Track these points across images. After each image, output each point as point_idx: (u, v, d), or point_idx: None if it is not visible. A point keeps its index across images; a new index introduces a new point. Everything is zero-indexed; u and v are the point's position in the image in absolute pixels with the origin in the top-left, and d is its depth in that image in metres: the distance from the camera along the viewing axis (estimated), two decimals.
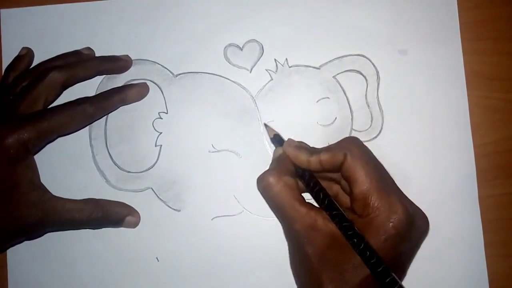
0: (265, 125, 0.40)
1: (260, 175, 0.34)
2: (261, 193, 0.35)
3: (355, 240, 0.31)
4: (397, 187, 0.35)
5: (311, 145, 0.38)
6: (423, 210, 0.34)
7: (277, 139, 0.38)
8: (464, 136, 0.41)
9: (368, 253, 0.31)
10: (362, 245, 0.31)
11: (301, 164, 0.35)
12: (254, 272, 0.40)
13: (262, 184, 0.34)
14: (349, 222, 0.32)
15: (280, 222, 0.35)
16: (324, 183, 0.35)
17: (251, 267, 0.40)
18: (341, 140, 0.36)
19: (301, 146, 0.36)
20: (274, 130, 0.39)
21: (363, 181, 0.32)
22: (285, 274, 0.40)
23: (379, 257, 0.31)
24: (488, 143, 0.41)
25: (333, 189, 0.37)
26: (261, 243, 0.40)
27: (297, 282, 0.35)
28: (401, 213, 0.32)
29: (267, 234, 0.40)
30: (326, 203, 0.33)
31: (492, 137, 0.41)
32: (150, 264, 0.40)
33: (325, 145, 0.40)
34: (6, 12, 0.42)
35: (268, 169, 0.35)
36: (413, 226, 0.32)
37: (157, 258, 0.40)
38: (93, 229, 0.40)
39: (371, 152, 0.35)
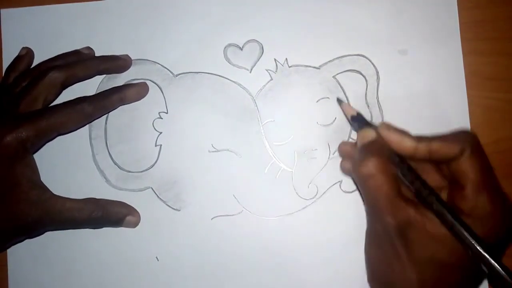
0: (340, 101, 0.37)
1: (360, 161, 0.31)
2: (357, 180, 0.32)
3: (472, 240, 0.29)
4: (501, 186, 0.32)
5: (311, 145, 0.39)
6: None
7: (360, 119, 0.35)
8: None
9: (487, 254, 0.29)
10: (481, 248, 0.29)
11: (405, 151, 0.32)
12: (254, 272, 0.40)
13: (363, 172, 0.31)
14: (463, 221, 0.30)
15: (368, 209, 0.33)
16: None
17: (251, 267, 0.40)
18: (456, 131, 0.33)
19: (402, 131, 0.33)
20: (354, 109, 0.36)
21: (480, 181, 0.31)
22: (285, 274, 0.40)
23: (502, 263, 0.29)
24: (488, 143, 0.41)
25: None
26: (261, 243, 0.40)
27: (373, 273, 0.34)
28: (509, 216, 0.31)
29: (267, 234, 0.40)
30: (436, 198, 0.31)
31: (492, 137, 0.41)
32: (150, 264, 0.40)
33: (325, 145, 0.40)
34: (6, 12, 0.42)
35: (369, 155, 0.32)
36: None
37: (157, 258, 0.40)
38: (93, 228, 0.40)
39: (484, 150, 0.32)
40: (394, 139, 0.32)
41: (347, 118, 0.36)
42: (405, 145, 0.32)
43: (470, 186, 0.31)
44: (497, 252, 0.31)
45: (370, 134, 0.33)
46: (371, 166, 0.31)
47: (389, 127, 0.33)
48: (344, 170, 0.39)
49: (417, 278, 0.30)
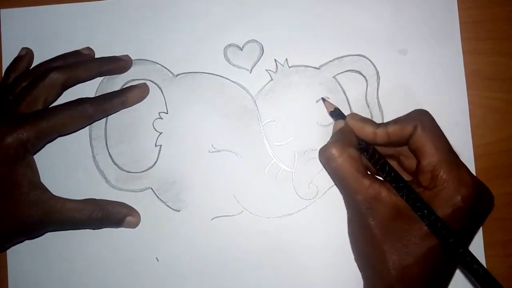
0: (323, 99, 0.40)
1: (323, 147, 0.35)
2: (323, 164, 0.36)
3: (425, 211, 0.31)
4: (462, 161, 0.34)
5: (311, 145, 0.39)
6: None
7: (337, 113, 0.39)
8: (464, 136, 0.41)
9: (439, 224, 0.31)
10: (433, 217, 0.31)
11: (367, 136, 0.35)
12: (254, 272, 0.40)
13: (325, 155, 0.34)
14: (417, 194, 0.32)
15: (342, 193, 0.36)
16: None
17: (251, 267, 0.40)
18: (409, 113, 0.35)
19: (366, 119, 0.36)
20: (333, 105, 0.39)
21: (432, 153, 0.33)
22: (285, 274, 0.40)
23: (450, 229, 0.31)
24: (488, 143, 0.41)
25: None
26: (261, 243, 0.40)
27: (355, 253, 0.36)
28: (470, 186, 0.32)
29: (267, 234, 0.40)
30: (393, 175, 0.34)
31: (492, 137, 0.41)
32: (150, 264, 0.40)
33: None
34: (6, 12, 0.42)
35: (331, 141, 0.35)
36: (480, 201, 0.32)
37: (157, 258, 0.40)
38: (93, 229, 0.40)
39: (438, 125, 0.35)
40: (356, 126, 0.36)
41: (328, 113, 0.40)
42: (366, 131, 0.35)
43: (425, 160, 0.33)
44: (467, 228, 0.32)
45: (339, 124, 0.37)
46: (332, 149, 0.34)
47: (354, 116, 0.36)
48: None
49: (388, 249, 0.32)
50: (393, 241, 0.32)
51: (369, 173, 0.34)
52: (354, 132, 0.36)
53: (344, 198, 0.36)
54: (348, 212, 0.36)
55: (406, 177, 0.35)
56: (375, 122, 0.36)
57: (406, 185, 0.33)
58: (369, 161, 0.36)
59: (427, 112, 0.35)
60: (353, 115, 0.37)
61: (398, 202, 0.33)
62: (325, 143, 0.40)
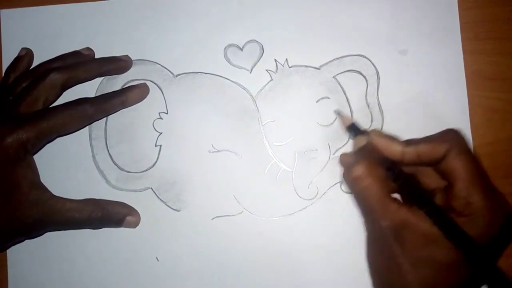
0: (338, 112, 0.39)
1: (349, 165, 0.33)
2: (348, 184, 0.33)
3: (463, 240, 0.30)
4: (494, 185, 0.33)
5: (311, 145, 0.38)
6: None
7: (354, 128, 0.36)
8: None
9: (478, 254, 0.29)
10: (472, 246, 0.30)
11: (394, 155, 0.33)
12: (254, 272, 0.40)
13: (351, 176, 0.32)
14: (453, 221, 0.30)
15: (363, 216, 0.34)
16: None
17: (251, 267, 0.40)
18: (441, 132, 0.33)
19: (392, 136, 0.34)
20: (350, 118, 0.38)
21: (468, 179, 0.31)
22: (285, 274, 0.40)
23: (492, 262, 0.30)
24: (488, 143, 0.41)
25: None
26: (261, 243, 0.40)
27: (374, 278, 0.34)
28: (505, 214, 0.31)
29: (267, 234, 0.40)
30: (423, 200, 0.32)
31: (492, 137, 0.41)
32: (150, 264, 0.40)
33: (326, 145, 0.40)
34: (6, 12, 0.42)
35: (358, 159, 0.33)
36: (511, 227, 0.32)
37: (157, 258, 0.40)
38: (93, 229, 0.40)
39: (471, 147, 0.33)
40: (382, 145, 0.33)
41: (344, 128, 0.38)
42: (393, 150, 0.33)
43: (459, 184, 0.31)
44: (493, 252, 0.31)
45: (361, 141, 0.35)
46: (359, 169, 0.32)
47: (379, 133, 0.34)
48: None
49: (414, 279, 0.31)
50: (421, 269, 0.30)
51: (394, 196, 0.33)
52: (378, 150, 0.33)
53: (365, 221, 0.34)
54: (368, 235, 0.34)
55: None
56: (401, 140, 0.33)
57: (440, 211, 0.31)
58: (395, 182, 0.33)
59: (461, 133, 0.33)
60: (378, 132, 0.34)
61: (428, 229, 0.31)
62: (325, 143, 0.40)
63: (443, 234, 0.30)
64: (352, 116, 0.41)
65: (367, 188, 0.32)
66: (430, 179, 0.34)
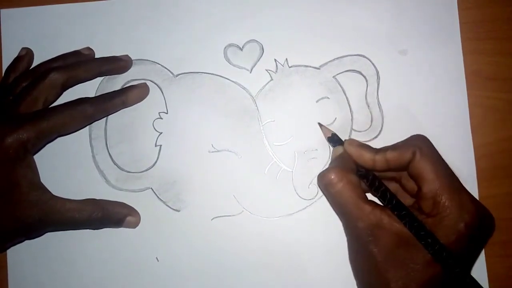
0: (320, 124, 0.40)
1: (321, 172, 0.34)
2: (322, 190, 0.35)
3: (429, 240, 0.31)
4: (463, 186, 0.34)
5: (311, 145, 0.38)
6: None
7: (335, 139, 0.38)
8: (464, 136, 0.41)
9: (444, 253, 0.31)
10: (437, 246, 0.31)
11: (366, 163, 0.35)
12: (254, 272, 0.40)
13: (324, 181, 0.34)
14: (420, 222, 0.32)
15: (341, 220, 0.35)
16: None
17: (251, 267, 0.40)
18: (407, 139, 0.35)
19: (364, 145, 0.36)
20: (331, 130, 0.39)
21: (433, 179, 0.32)
22: (285, 274, 0.40)
23: (456, 258, 0.31)
24: (488, 143, 0.41)
25: (391, 187, 0.36)
26: (261, 243, 0.40)
27: (358, 280, 0.35)
28: (473, 213, 0.32)
29: (267, 234, 0.40)
30: (394, 203, 0.33)
31: (492, 137, 0.41)
32: (150, 264, 0.40)
33: (325, 145, 0.40)
34: (6, 12, 0.42)
35: (330, 167, 0.35)
36: (483, 225, 0.32)
37: (157, 258, 0.40)
38: (93, 229, 0.40)
39: (437, 150, 0.34)
40: (354, 153, 0.35)
41: (326, 139, 0.39)
42: (364, 158, 0.35)
43: (426, 186, 0.32)
44: (469, 252, 0.32)
45: (339, 150, 0.37)
46: (330, 175, 0.33)
47: (352, 142, 0.36)
48: None
49: (392, 278, 0.32)
50: (396, 268, 0.32)
51: (369, 199, 0.34)
52: (353, 159, 0.35)
53: (343, 225, 0.35)
54: (348, 239, 0.35)
55: (409, 199, 0.35)
56: (373, 148, 0.35)
57: (408, 213, 0.32)
58: (369, 188, 0.35)
59: (425, 137, 0.35)
60: (351, 141, 0.36)
61: (400, 229, 0.32)
62: (325, 143, 0.40)
63: (413, 234, 0.32)
64: (352, 117, 0.41)
65: (340, 192, 0.33)
66: (413, 183, 0.35)
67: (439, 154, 0.34)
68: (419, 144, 0.34)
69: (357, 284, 0.35)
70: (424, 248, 0.31)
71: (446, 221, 0.32)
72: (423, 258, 0.31)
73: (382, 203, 0.34)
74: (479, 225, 0.32)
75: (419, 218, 0.32)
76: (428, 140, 0.35)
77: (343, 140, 0.38)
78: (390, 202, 0.33)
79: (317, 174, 0.35)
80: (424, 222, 0.32)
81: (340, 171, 0.33)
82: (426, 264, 0.31)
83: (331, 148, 0.41)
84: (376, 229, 0.32)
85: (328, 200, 0.35)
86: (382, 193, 0.34)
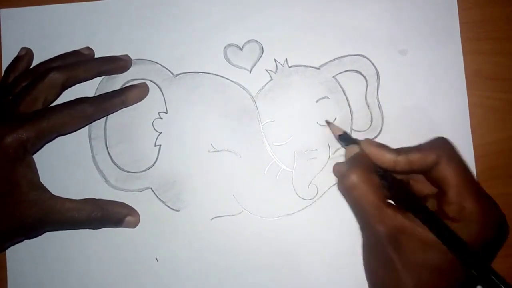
0: (328, 122, 0.39)
1: (343, 174, 0.33)
2: (342, 192, 0.34)
3: (457, 244, 0.30)
4: (485, 190, 0.33)
5: (311, 145, 0.38)
6: None
7: (346, 137, 0.37)
8: (464, 136, 0.41)
9: (474, 260, 0.30)
10: (467, 252, 0.30)
11: (386, 164, 0.33)
12: (254, 272, 0.40)
13: (347, 183, 0.33)
14: (448, 227, 0.31)
15: (359, 221, 0.34)
16: None
17: (251, 267, 0.40)
18: (431, 140, 0.34)
19: (383, 145, 0.34)
20: (340, 128, 0.38)
21: (459, 185, 0.32)
22: (285, 274, 0.40)
23: (487, 264, 0.30)
24: (488, 143, 0.41)
25: None
26: (261, 243, 0.40)
27: (371, 282, 0.34)
28: (497, 218, 0.32)
29: (266, 234, 0.40)
30: (418, 207, 0.32)
31: (492, 137, 0.41)
32: (150, 264, 0.40)
33: (325, 145, 0.40)
34: (6, 12, 0.42)
35: (352, 167, 0.33)
36: (503, 231, 0.33)
37: (156, 258, 0.40)
38: (93, 229, 0.39)
39: (461, 154, 0.34)
40: (374, 153, 0.34)
41: (335, 137, 0.38)
42: (385, 159, 0.33)
43: (452, 191, 0.32)
44: (487, 256, 0.32)
45: (354, 149, 0.35)
46: (353, 177, 0.32)
47: (371, 142, 0.35)
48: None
49: (412, 284, 0.31)
50: (417, 273, 0.31)
51: (389, 201, 0.33)
52: (371, 159, 0.34)
53: (361, 226, 0.34)
54: (364, 240, 0.34)
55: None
56: (393, 149, 0.34)
57: (435, 217, 0.31)
58: (389, 190, 0.34)
59: (450, 141, 0.34)
60: (370, 141, 0.35)
61: (424, 235, 0.31)
62: (325, 143, 0.40)
63: (439, 239, 0.31)
64: (351, 117, 0.41)
65: (362, 195, 0.32)
66: (422, 185, 0.35)
67: (463, 159, 0.33)
68: (445, 148, 0.33)
69: (369, 285, 0.34)
70: (452, 253, 0.30)
71: (474, 227, 0.31)
72: (448, 263, 0.31)
73: (403, 205, 0.33)
74: (501, 231, 0.32)
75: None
76: (453, 144, 0.34)
77: (352, 138, 0.37)
78: (413, 206, 0.32)
79: (338, 177, 0.33)
80: (449, 227, 0.31)
81: (362, 172, 0.33)
82: (450, 269, 0.31)
83: (331, 148, 0.41)
84: (398, 234, 0.31)
85: (348, 201, 0.34)
86: (405, 195, 0.33)
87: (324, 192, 0.40)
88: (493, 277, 0.30)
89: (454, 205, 0.32)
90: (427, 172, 0.33)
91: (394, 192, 0.34)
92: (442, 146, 0.33)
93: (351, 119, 0.41)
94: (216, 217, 0.40)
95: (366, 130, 0.41)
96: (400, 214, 0.32)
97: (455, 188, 0.32)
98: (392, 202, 0.34)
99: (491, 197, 0.33)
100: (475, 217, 0.31)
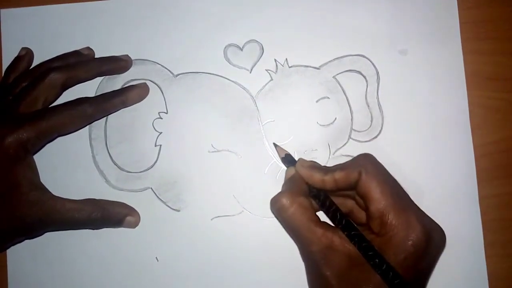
0: (275, 144, 0.40)
1: (273, 197, 0.34)
2: (275, 215, 0.35)
3: (376, 260, 0.31)
4: (413, 202, 0.34)
5: (311, 145, 0.38)
6: (431, 217, 0.34)
7: (288, 159, 0.38)
8: (464, 136, 0.41)
9: (391, 273, 0.30)
10: (384, 266, 0.30)
11: (316, 183, 0.35)
12: (254, 272, 0.40)
13: (276, 206, 0.34)
14: (368, 243, 0.32)
15: (296, 243, 0.35)
16: (338, 200, 0.35)
17: (251, 267, 0.40)
18: (355, 158, 0.35)
19: (314, 166, 0.36)
20: (285, 150, 0.39)
21: (379, 199, 0.32)
22: (285, 274, 0.40)
23: (402, 278, 0.30)
24: (488, 143, 0.41)
25: (348, 205, 0.36)
26: (261, 243, 0.40)
27: None
28: (419, 231, 0.31)
29: (267, 234, 0.40)
30: (344, 223, 0.33)
31: (492, 137, 0.41)
32: (150, 264, 0.40)
33: (325, 145, 0.41)
34: (6, 12, 0.42)
35: (281, 191, 0.35)
36: (431, 242, 0.32)
37: (156, 258, 0.40)
38: (93, 229, 0.40)
39: (385, 169, 0.35)
40: (304, 174, 0.35)
41: (280, 160, 0.39)
42: (314, 179, 0.35)
43: (372, 206, 0.32)
44: (422, 269, 0.32)
45: (290, 171, 0.37)
46: (282, 199, 0.34)
47: (303, 163, 0.36)
48: None
49: None
50: None
51: (322, 221, 0.34)
52: (304, 179, 0.35)
53: (299, 250, 0.35)
54: (305, 264, 0.35)
55: (364, 218, 0.35)
56: (323, 168, 0.35)
57: (357, 233, 0.32)
58: (321, 208, 0.35)
59: (372, 156, 0.35)
60: (302, 162, 0.36)
61: (352, 250, 0.32)
62: (325, 143, 0.40)
63: (363, 256, 0.32)
64: (351, 117, 0.41)
65: (292, 216, 0.33)
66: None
67: (387, 172, 0.34)
68: (365, 164, 0.33)
69: None
70: (372, 268, 0.31)
71: (394, 241, 0.31)
72: (374, 278, 0.31)
73: (333, 223, 0.34)
74: (427, 243, 0.32)
75: (369, 238, 0.32)
76: (375, 159, 0.35)
77: (296, 160, 0.38)
78: (340, 222, 0.33)
79: (271, 199, 0.35)
80: (373, 242, 0.32)
81: (290, 194, 0.34)
82: (377, 284, 0.31)
83: (331, 148, 0.41)
84: (328, 251, 0.32)
85: (282, 225, 0.35)
86: (333, 213, 0.34)
87: None
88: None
89: (376, 219, 0.32)
90: (355, 189, 0.34)
91: (324, 210, 0.35)
92: (363, 162, 0.34)
93: (351, 119, 0.41)
94: (216, 217, 0.40)
95: (366, 130, 0.41)
96: (330, 231, 0.33)
97: (375, 203, 0.32)
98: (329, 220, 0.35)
99: (418, 210, 0.33)
100: (396, 231, 0.31)
